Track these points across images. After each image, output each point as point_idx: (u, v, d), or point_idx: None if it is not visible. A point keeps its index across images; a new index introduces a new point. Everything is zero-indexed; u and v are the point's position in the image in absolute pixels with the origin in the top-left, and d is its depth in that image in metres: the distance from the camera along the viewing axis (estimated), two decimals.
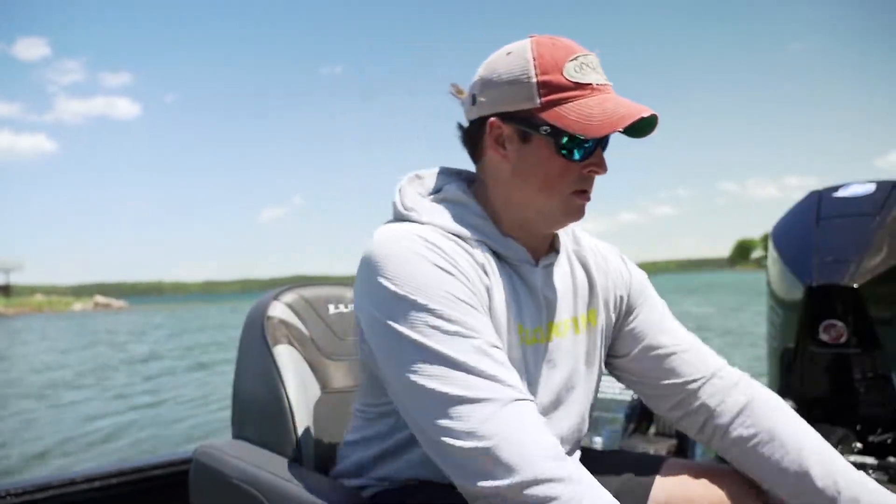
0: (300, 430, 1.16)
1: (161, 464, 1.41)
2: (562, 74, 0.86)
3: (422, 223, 0.92)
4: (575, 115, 0.85)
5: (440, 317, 0.81)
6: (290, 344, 1.21)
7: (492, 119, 0.91)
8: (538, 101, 0.87)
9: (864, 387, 1.82)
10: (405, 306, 0.82)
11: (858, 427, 1.82)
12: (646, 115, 0.86)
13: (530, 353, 0.95)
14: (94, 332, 26.13)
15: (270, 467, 1.05)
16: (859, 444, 1.73)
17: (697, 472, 1.07)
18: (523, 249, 0.95)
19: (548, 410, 0.99)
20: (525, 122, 0.88)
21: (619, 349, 1.11)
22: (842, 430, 1.72)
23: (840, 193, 1.96)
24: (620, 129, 0.85)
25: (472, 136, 0.97)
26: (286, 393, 1.16)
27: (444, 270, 0.84)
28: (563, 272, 1.02)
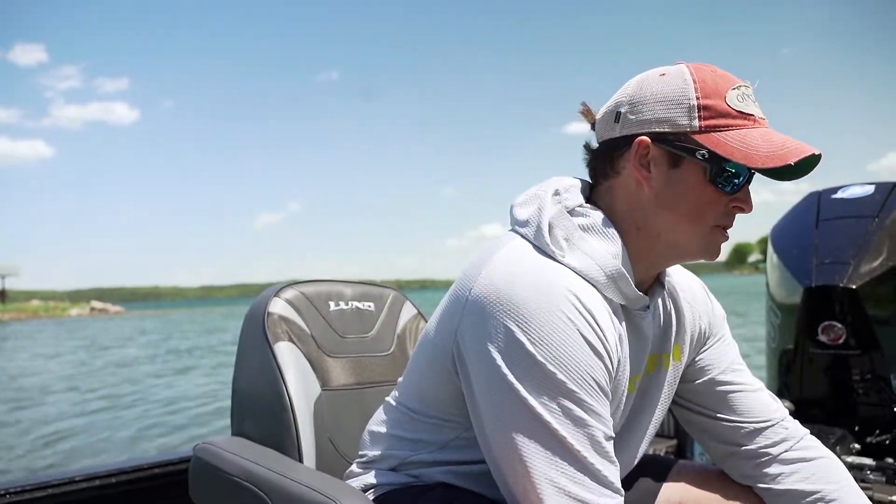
0: (300, 427, 1.16)
1: (161, 462, 1.41)
2: (724, 101, 0.81)
3: (566, 265, 0.83)
4: (738, 143, 0.80)
5: (574, 400, 0.76)
6: (291, 341, 1.21)
7: (641, 138, 0.84)
8: (698, 124, 0.81)
9: (862, 388, 1.83)
10: (540, 375, 0.76)
11: (857, 428, 1.82)
12: (816, 152, 0.80)
13: (628, 398, 0.94)
14: (84, 338, 26.03)
15: (270, 464, 1.04)
16: (857, 445, 1.73)
17: (706, 476, 1.08)
18: (645, 297, 0.88)
19: (622, 442, 0.98)
20: (679, 146, 0.82)
21: (684, 377, 1.06)
22: (840, 431, 1.72)
23: (839, 195, 1.97)
24: (791, 162, 0.78)
25: (607, 157, 0.89)
26: (286, 390, 1.16)
27: (594, 351, 0.78)
28: (659, 309, 0.97)
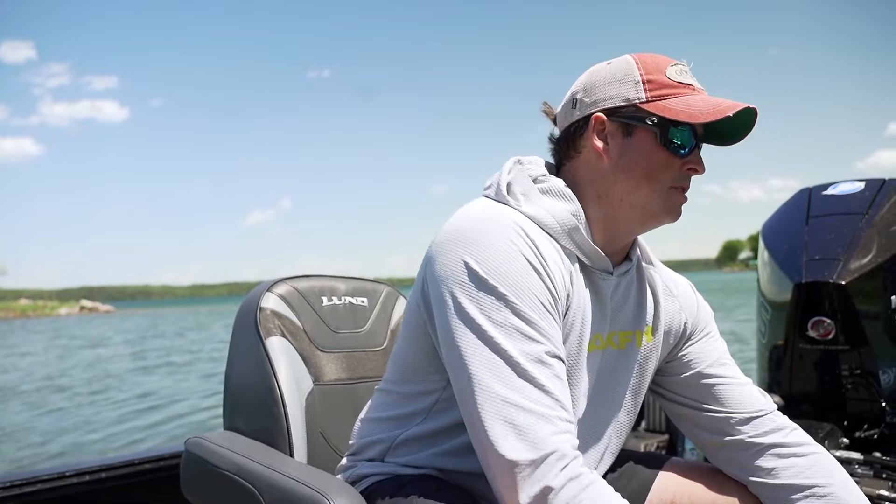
0: (292, 422, 1.16)
1: (152, 458, 1.40)
2: (665, 75, 0.90)
3: (521, 212, 0.91)
4: (681, 106, 0.88)
5: (520, 316, 0.81)
6: (283, 336, 1.21)
7: (596, 115, 0.92)
8: (645, 95, 0.90)
9: (851, 383, 1.84)
10: (490, 295, 0.81)
11: (845, 423, 1.84)
12: (751, 106, 0.88)
13: (589, 360, 0.96)
14: (69, 337, 25.78)
15: (261, 459, 1.04)
16: (846, 440, 1.74)
17: (699, 472, 1.08)
18: (605, 258, 0.94)
19: (592, 417, 0.99)
20: (630, 116, 0.91)
21: (669, 370, 1.09)
22: (829, 426, 1.74)
23: (830, 191, 1.98)
24: (730, 114, 0.85)
25: (569, 139, 0.96)
26: (278, 384, 1.16)
27: (534, 269, 0.84)
28: (632, 285, 1.02)
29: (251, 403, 1.19)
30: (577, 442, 0.80)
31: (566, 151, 0.97)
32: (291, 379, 1.18)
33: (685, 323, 1.07)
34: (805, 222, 1.91)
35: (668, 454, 2.02)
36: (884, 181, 1.93)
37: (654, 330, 1.04)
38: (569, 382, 0.89)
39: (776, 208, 2.14)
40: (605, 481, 0.80)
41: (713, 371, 1.05)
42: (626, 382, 1.03)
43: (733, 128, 0.92)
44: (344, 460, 1.06)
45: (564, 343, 0.89)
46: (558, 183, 0.94)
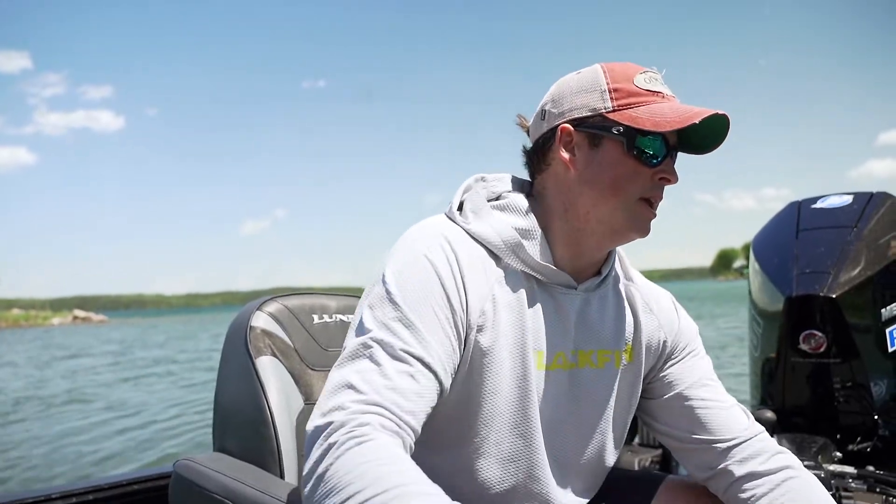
0: (282, 443, 1.14)
1: (139, 479, 1.38)
2: (633, 83, 0.89)
3: (466, 230, 0.92)
4: (648, 114, 0.86)
5: (402, 319, 0.81)
6: (273, 355, 1.20)
7: (563, 125, 0.91)
8: (611, 104, 0.88)
9: (843, 396, 1.84)
10: (385, 299, 0.84)
11: (838, 436, 1.84)
12: (720, 112, 0.86)
13: (551, 379, 0.94)
14: (47, 348, 25.45)
15: (252, 481, 1.03)
16: (839, 454, 1.74)
17: (696, 492, 1.06)
18: (561, 273, 0.93)
19: (566, 437, 0.98)
20: (597, 126, 0.89)
21: (650, 391, 1.06)
22: (822, 440, 1.74)
23: (819, 205, 2.00)
24: (696, 121, 0.84)
25: (539, 152, 0.96)
26: (268, 405, 1.15)
27: (440, 282, 0.85)
28: (607, 302, 1.00)
29: (241, 424, 1.18)
30: (392, 425, 0.74)
31: (537, 164, 0.97)
32: (282, 399, 1.17)
33: (664, 341, 1.04)
34: (795, 236, 1.92)
35: (663, 469, 2.01)
36: (871, 195, 1.94)
37: (635, 349, 1.01)
38: (515, 399, 0.90)
39: (767, 220, 2.15)
40: (389, 441, 0.72)
41: (694, 393, 1.02)
42: (607, 403, 1.00)
43: (707, 135, 0.90)
44: None
45: (484, 357, 0.88)
46: (516, 199, 0.95)
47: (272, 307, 1.25)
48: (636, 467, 1.96)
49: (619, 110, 0.88)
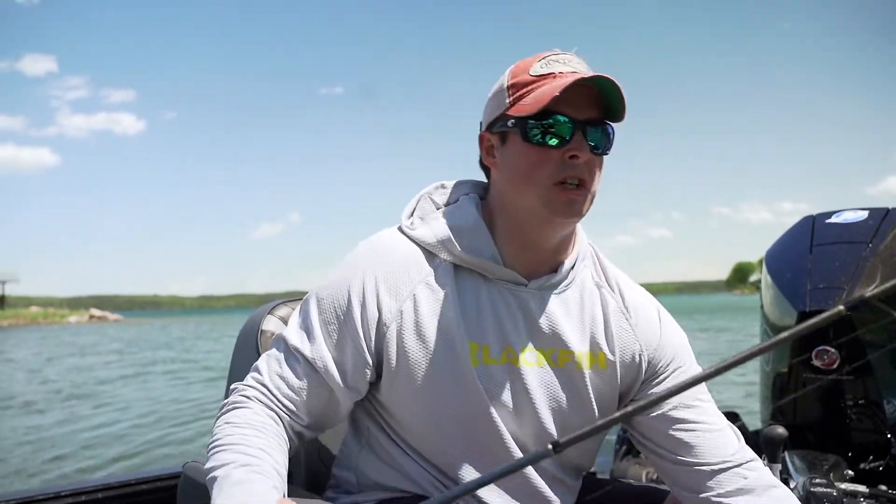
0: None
1: (148, 478, 1.40)
2: (528, 73, 0.92)
3: (410, 236, 0.99)
4: (532, 99, 0.89)
5: (306, 319, 0.96)
6: None
7: (482, 134, 0.99)
8: (508, 101, 0.93)
9: (855, 413, 1.82)
10: (304, 313, 0.97)
11: (850, 454, 1.81)
12: (586, 76, 0.86)
13: (500, 372, 0.95)
14: (57, 345, 25.62)
15: None
16: (851, 472, 1.72)
17: None
18: (504, 268, 0.96)
19: (531, 440, 0.98)
20: (500, 125, 0.94)
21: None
22: (833, 457, 1.71)
23: (833, 220, 1.98)
24: (557, 93, 0.85)
25: (482, 163, 1.02)
26: None
27: (350, 301, 0.94)
28: (570, 302, 0.99)
29: None
30: (268, 402, 0.92)
31: (485, 171, 1.02)
32: None
33: (641, 354, 1.01)
34: (809, 250, 1.90)
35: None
36: (888, 210, 1.92)
37: (607, 356, 0.99)
38: (448, 389, 0.93)
39: (780, 234, 2.13)
40: (258, 410, 0.91)
41: (681, 414, 0.97)
42: (572, 405, 0.98)
43: (618, 102, 0.89)
44: (329, 492, 1.06)
45: (409, 353, 0.94)
46: (465, 201, 1.01)
47: (283, 311, 1.26)
48: (643, 480, 1.95)
49: (514, 104, 0.91)
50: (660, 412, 0.98)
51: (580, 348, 0.98)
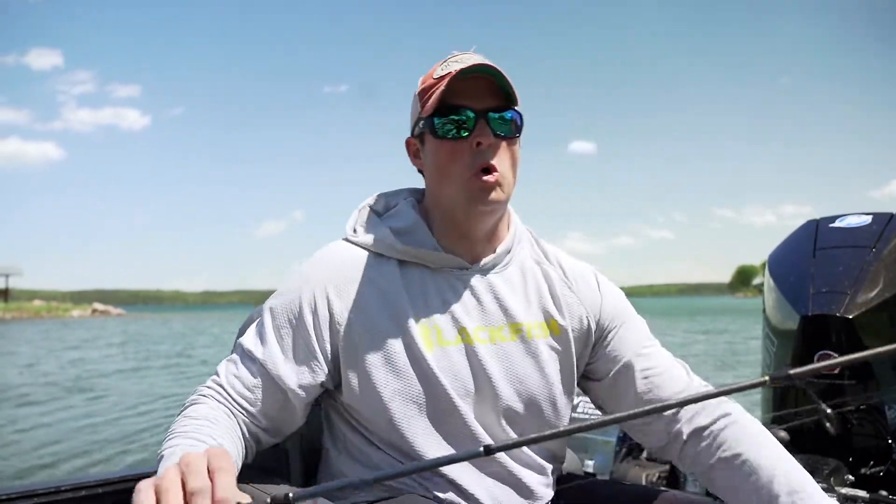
0: (290, 445, 1.15)
1: (148, 473, 1.40)
2: (432, 77, 1.01)
3: (352, 242, 1.07)
4: (431, 100, 0.98)
5: (260, 326, 1.02)
6: None
7: (406, 140, 1.08)
8: (419, 105, 1.02)
9: (857, 418, 1.81)
10: (260, 321, 1.03)
11: (851, 459, 1.81)
12: (465, 67, 0.95)
13: (452, 353, 1.00)
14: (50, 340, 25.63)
15: (259, 486, 1.04)
16: (851, 477, 1.71)
17: None
18: (447, 256, 1.03)
19: (492, 416, 1.01)
20: (417, 128, 1.04)
21: (595, 372, 1.11)
22: (834, 462, 1.71)
23: (837, 224, 1.97)
24: (442, 87, 0.95)
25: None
26: None
27: (300, 309, 1.00)
28: (513, 279, 1.07)
29: None
30: (222, 398, 0.97)
31: (423, 177, 1.10)
32: None
33: (588, 318, 1.09)
34: (812, 255, 1.90)
35: (670, 485, 1.99)
36: (892, 215, 1.92)
37: (559, 322, 1.06)
38: (407, 374, 0.98)
39: (783, 238, 2.13)
40: (212, 405, 0.95)
41: (635, 364, 1.07)
42: (531, 374, 1.04)
43: (506, 93, 0.98)
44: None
45: (361, 347, 0.99)
46: (402, 205, 1.08)
47: None
48: (643, 482, 1.95)
49: (423, 107, 1.00)
50: (618, 368, 1.08)
51: (529, 319, 1.05)
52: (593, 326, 1.09)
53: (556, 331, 1.06)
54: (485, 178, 0.96)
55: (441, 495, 0.99)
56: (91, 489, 1.29)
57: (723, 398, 1.04)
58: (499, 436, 1.02)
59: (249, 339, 1.02)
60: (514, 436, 1.03)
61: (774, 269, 2.01)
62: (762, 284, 2.18)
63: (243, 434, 0.97)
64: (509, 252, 1.08)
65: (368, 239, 1.05)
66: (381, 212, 1.10)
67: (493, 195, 0.97)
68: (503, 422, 1.03)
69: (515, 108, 0.99)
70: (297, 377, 0.99)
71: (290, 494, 0.55)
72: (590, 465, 2.03)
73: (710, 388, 1.04)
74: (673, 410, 1.03)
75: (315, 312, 1.00)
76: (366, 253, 1.04)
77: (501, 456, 1.02)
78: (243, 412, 0.98)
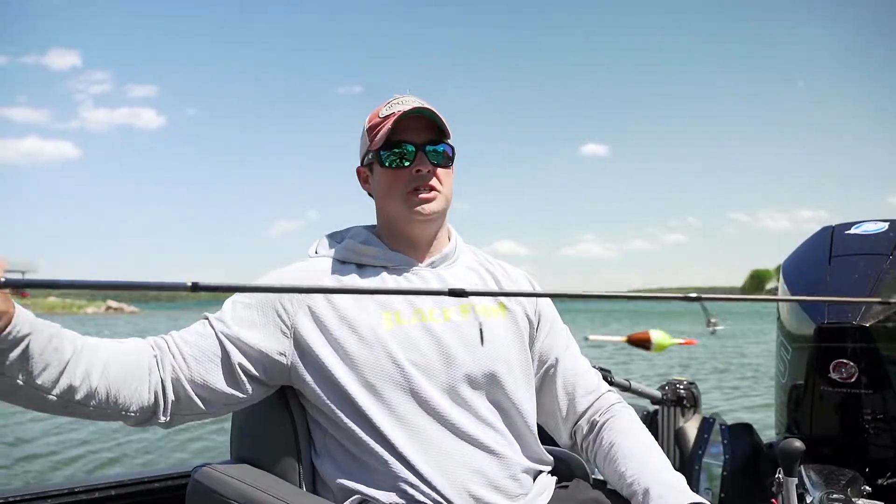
0: (302, 453, 1.15)
1: (161, 476, 1.41)
2: (378, 116, 1.19)
3: (312, 256, 1.23)
4: (380, 135, 1.16)
5: (233, 302, 1.14)
6: None
7: (357, 168, 1.27)
8: (368, 139, 1.20)
9: (874, 428, 1.79)
10: (235, 300, 1.14)
11: (867, 469, 1.78)
12: (405, 111, 1.15)
13: (410, 331, 1.13)
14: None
15: (270, 490, 1.04)
16: (868, 487, 1.69)
17: None
18: (397, 255, 1.20)
19: (457, 380, 1.12)
20: (367, 159, 1.23)
21: (535, 367, 1.27)
22: (850, 472, 1.68)
23: (853, 231, 1.94)
24: (389, 125, 1.15)
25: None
26: (290, 412, 1.16)
27: (278, 296, 1.12)
28: (460, 272, 1.24)
29: (260, 432, 1.19)
30: (163, 343, 1.07)
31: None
32: (302, 407, 1.17)
33: (527, 312, 1.26)
34: (828, 261, 1.87)
35: None
36: None
37: (507, 306, 1.23)
38: (370, 353, 1.09)
39: (798, 244, 2.10)
40: (144, 345, 1.06)
41: (565, 362, 1.27)
42: (487, 343, 1.16)
43: (440, 129, 1.19)
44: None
45: (327, 326, 1.11)
46: (356, 228, 1.27)
47: None
48: None
49: (372, 141, 1.19)
50: (551, 363, 1.27)
51: (479, 301, 1.19)
52: (534, 321, 1.27)
53: (505, 313, 1.22)
54: (420, 194, 1.17)
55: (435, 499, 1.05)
56: (104, 491, 1.30)
57: (614, 396, 1.29)
58: (461, 403, 1.12)
59: (221, 312, 1.14)
60: (475, 402, 1.13)
61: (789, 276, 1.99)
62: (776, 289, 2.15)
63: (161, 375, 1.05)
64: (454, 253, 1.26)
65: (330, 251, 1.22)
66: (337, 239, 1.26)
67: (428, 206, 1.17)
68: (465, 387, 1.12)
69: (448, 141, 1.20)
70: (244, 345, 1.10)
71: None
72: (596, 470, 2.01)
73: (615, 391, 1.32)
74: (576, 414, 1.27)
75: (282, 303, 1.13)
76: (329, 260, 1.21)
77: (497, 457, 1.11)
78: (168, 351, 1.07)
